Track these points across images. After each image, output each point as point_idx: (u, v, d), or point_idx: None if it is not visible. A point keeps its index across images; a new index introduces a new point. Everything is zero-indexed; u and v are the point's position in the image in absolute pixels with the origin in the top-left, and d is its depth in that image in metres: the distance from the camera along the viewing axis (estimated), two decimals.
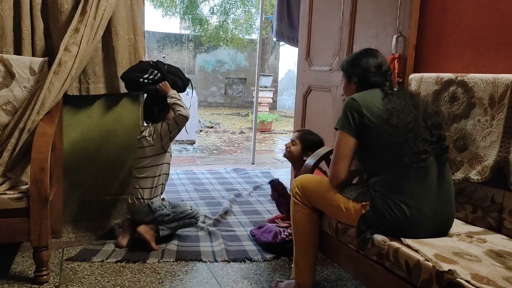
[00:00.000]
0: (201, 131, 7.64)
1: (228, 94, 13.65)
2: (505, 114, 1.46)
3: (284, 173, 4.09)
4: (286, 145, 2.26)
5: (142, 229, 2.07)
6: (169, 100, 2.05)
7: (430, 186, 1.36)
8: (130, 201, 2.11)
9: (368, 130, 1.42)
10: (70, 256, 1.96)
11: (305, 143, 2.19)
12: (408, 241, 1.29)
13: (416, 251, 1.22)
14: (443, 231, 1.40)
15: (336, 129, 1.49)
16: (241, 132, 7.85)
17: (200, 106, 12.08)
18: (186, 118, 2.04)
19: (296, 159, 2.22)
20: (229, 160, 5.03)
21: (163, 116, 2.16)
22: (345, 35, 2.43)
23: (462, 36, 1.80)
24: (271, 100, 10.55)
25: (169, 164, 2.20)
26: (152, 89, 2.10)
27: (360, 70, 1.54)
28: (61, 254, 1.99)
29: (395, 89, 1.52)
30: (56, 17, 2.12)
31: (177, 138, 5.93)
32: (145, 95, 2.29)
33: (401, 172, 1.37)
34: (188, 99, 5.99)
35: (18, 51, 2.08)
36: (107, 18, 2.13)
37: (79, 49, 2.00)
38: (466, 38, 1.78)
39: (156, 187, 2.12)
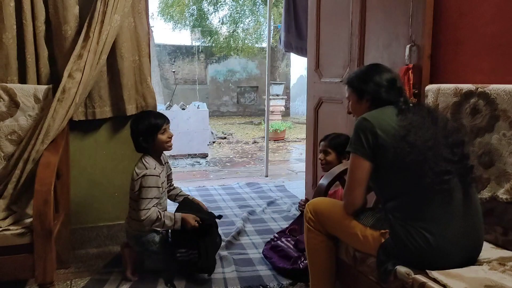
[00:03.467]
0: (214, 142, 7.61)
1: (240, 103, 13.65)
2: None
3: (298, 186, 3.99)
4: (319, 159, 2.13)
5: (127, 250, 2.00)
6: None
7: (455, 210, 1.25)
8: (124, 227, 2.04)
9: (383, 150, 1.31)
10: None
11: (338, 148, 2.06)
12: (435, 273, 1.18)
13: (444, 286, 1.11)
14: (471, 258, 1.28)
15: (348, 152, 1.39)
16: (255, 142, 7.79)
17: (213, 116, 12.10)
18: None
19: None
20: (242, 173, 4.95)
21: (150, 146, 1.96)
22: (355, 45, 2.34)
23: (481, 43, 1.68)
24: (283, 108, 10.48)
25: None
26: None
27: (373, 86, 1.43)
28: (69, 286, 1.93)
29: (410, 104, 1.42)
30: (60, 44, 2.10)
31: (189, 151, 5.99)
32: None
33: (422, 195, 1.26)
34: (197, 112, 6.03)
35: (23, 79, 2.05)
36: (111, 42, 2.09)
37: (82, 75, 1.96)
38: (486, 45, 1.67)
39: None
